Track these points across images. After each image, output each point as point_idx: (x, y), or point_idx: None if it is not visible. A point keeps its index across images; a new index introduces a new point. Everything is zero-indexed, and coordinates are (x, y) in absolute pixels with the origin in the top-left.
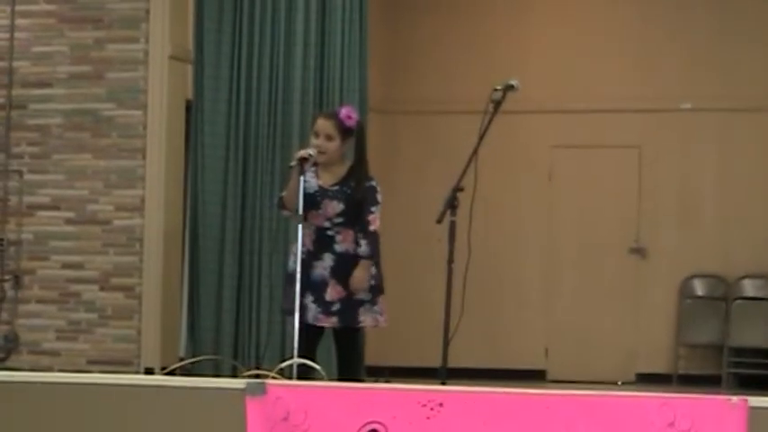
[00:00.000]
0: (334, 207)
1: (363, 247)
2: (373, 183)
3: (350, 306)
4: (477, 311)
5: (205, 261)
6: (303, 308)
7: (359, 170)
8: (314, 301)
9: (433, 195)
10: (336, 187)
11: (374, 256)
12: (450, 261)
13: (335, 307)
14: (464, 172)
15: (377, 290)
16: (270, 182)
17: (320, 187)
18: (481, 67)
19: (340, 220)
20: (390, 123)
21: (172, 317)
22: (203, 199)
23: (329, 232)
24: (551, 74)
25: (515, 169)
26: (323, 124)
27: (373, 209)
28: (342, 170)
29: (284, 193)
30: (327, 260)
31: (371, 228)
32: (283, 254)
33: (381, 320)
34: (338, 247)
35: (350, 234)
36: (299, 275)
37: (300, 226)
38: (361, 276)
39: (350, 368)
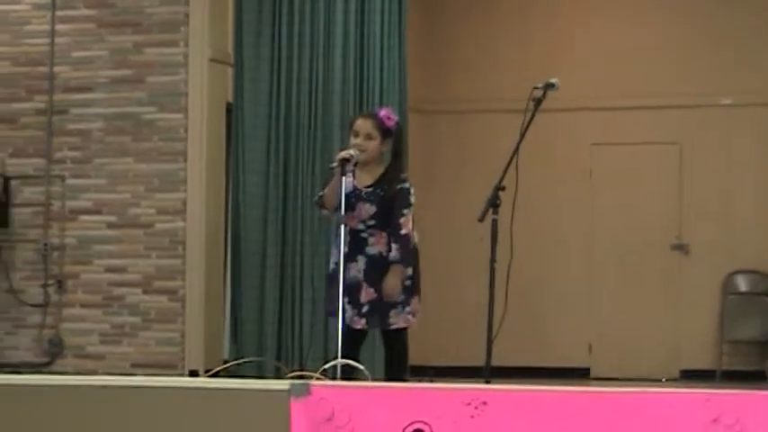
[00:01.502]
0: (367, 209)
1: (394, 252)
2: (406, 185)
3: (380, 308)
4: (520, 310)
5: (247, 263)
6: (342, 309)
7: (393, 171)
8: (349, 303)
9: (472, 194)
10: (370, 189)
11: (406, 260)
12: (493, 260)
13: (365, 309)
14: (506, 170)
15: (411, 291)
16: (311, 183)
17: (355, 188)
18: (519, 65)
19: (372, 222)
20: (429, 123)
21: (215, 319)
22: (245, 201)
23: (362, 234)
24: (590, 71)
25: (556, 167)
26: (362, 123)
27: (405, 211)
28: (379, 171)
29: (324, 192)
30: (360, 262)
31: (402, 231)
32: (325, 255)
33: (412, 321)
34: (370, 250)
35: (382, 236)
36: (341, 276)
37: (342, 227)
38: (393, 283)
39: (394, 369)
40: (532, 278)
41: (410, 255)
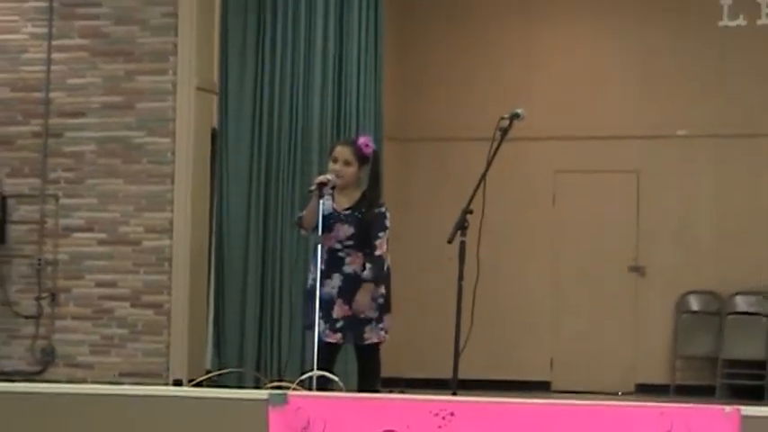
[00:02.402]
0: (345, 230)
1: (367, 272)
2: (383, 209)
3: (356, 324)
4: (486, 326)
5: (229, 279)
6: (318, 324)
7: (371, 196)
8: (322, 317)
9: (446, 217)
10: (348, 211)
11: (378, 279)
12: (461, 278)
13: (340, 324)
14: (473, 195)
15: (384, 308)
16: (290, 205)
17: (334, 210)
18: (492, 94)
19: (350, 242)
20: (405, 150)
21: (199, 332)
22: (228, 221)
23: (340, 253)
24: (555, 101)
25: (521, 193)
26: (342, 150)
27: (381, 234)
28: (356, 195)
29: (303, 213)
30: (336, 280)
31: (377, 252)
32: (303, 272)
33: (385, 336)
34: (347, 269)
35: (359, 256)
36: (318, 292)
37: (320, 246)
38: (363, 299)
39: (368, 380)
40: (498, 296)
41: (383, 274)
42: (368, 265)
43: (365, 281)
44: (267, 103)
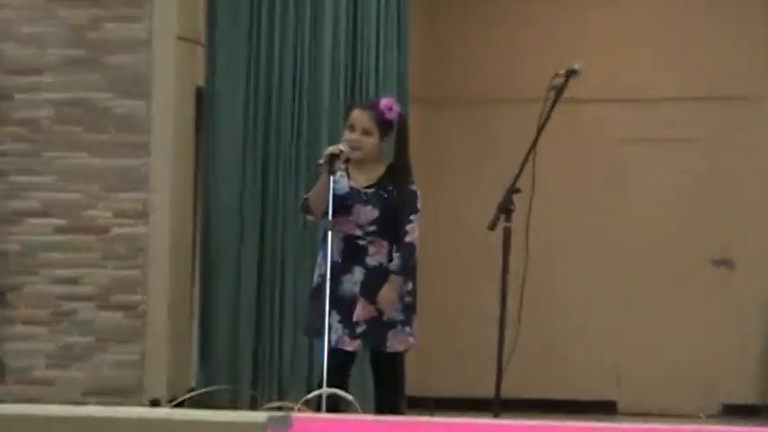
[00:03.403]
0: (368, 213)
1: (395, 261)
2: (413, 187)
3: (378, 328)
4: (536, 333)
5: (220, 276)
6: (328, 329)
7: (400, 172)
8: (340, 321)
9: (488, 198)
10: (371, 190)
11: (408, 272)
12: (505, 273)
13: (361, 328)
14: (520, 170)
15: (411, 309)
16: (294, 183)
17: (352, 189)
18: (539, 49)
19: (373, 228)
20: (435, 115)
21: (181, 340)
22: (218, 203)
23: (360, 242)
24: (616, 58)
25: (579, 167)
26: (359, 116)
27: (413, 217)
28: (378, 171)
29: (310, 195)
30: (357, 274)
31: (408, 238)
32: (310, 268)
33: (412, 343)
34: (370, 260)
35: (384, 245)
36: (327, 291)
37: (330, 233)
38: (389, 295)
39: (389, 399)
40: (551, 295)
41: (414, 267)
42: (396, 255)
43: (392, 272)
44: (265, 55)
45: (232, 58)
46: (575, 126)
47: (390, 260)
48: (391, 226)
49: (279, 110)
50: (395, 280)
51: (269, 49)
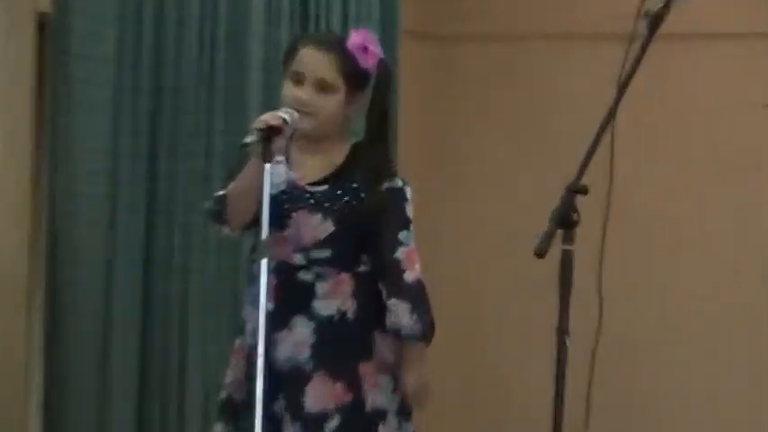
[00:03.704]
0: (317, 227)
1: (407, 320)
2: (398, 182)
3: (356, 422)
4: (612, 419)
5: (76, 321)
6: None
7: (374, 155)
8: (286, 408)
9: (525, 198)
10: (324, 188)
11: (428, 331)
12: (564, 329)
13: (332, 424)
14: (588, 157)
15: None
16: (199, 175)
17: (293, 187)
18: None
19: (325, 252)
20: (443, 59)
21: (9, 420)
22: (73, 209)
23: (304, 276)
24: None
25: (687, 149)
26: (314, 59)
27: (402, 236)
28: (336, 154)
29: (228, 192)
30: (301, 329)
31: (410, 277)
32: (231, 312)
33: None
34: (321, 307)
35: (343, 282)
36: (261, 359)
37: (264, 260)
38: (417, 378)
39: None
40: (636, 360)
41: (433, 321)
42: (402, 307)
43: (410, 339)
44: None
45: None
46: (682, 81)
47: (357, 305)
48: (355, 249)
49: (177, 50)
50: (420, 353)
51: None
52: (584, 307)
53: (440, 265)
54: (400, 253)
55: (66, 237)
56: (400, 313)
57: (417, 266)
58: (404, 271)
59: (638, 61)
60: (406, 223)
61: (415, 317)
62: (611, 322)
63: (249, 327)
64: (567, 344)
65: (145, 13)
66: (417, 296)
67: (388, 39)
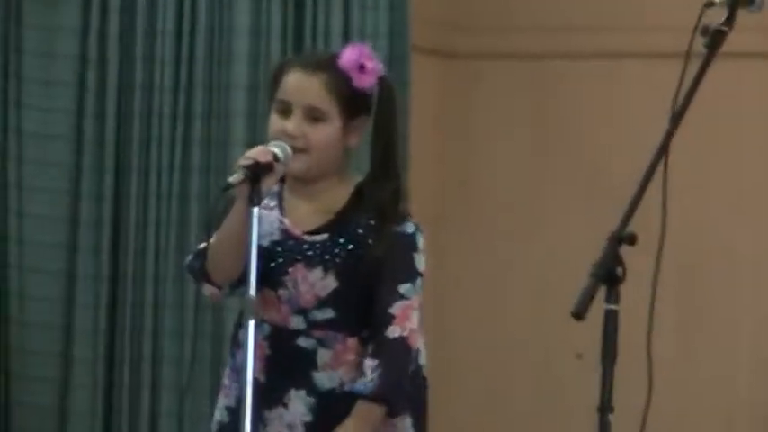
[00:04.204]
0: (316, 284)
1: (370, 376)
2: (409, 227)
3: None
4: None
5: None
6: None
7: (381, 194)
8: None
9: (559, 240)
10: (323, 237)
11: (396, 397)
12: (606, 407)
13: None
14: (636, 201)
15: None
16: (178, 215)
17: (287, 233)
18: None
19: (328, 313)
20: (462, 79)
21: None
22: (24, 233)
23: (303, 341)
24: None
25: (747, 186)
26: (301, 84)
27: (407, 287)
28: (339, 195)
29: (211, 244)
30: (297, 405)
31: (393, 332)
32: (210, 391)
33: None
34: (322, 379)
35: (349, 347)
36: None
37: (252, 323)
38: None
39: None
40: None
41: (406, 387)
42: (370, 363)
43: (364, 397)
44: None
45: None
46: (749, 100)
47: (365, 375)
48: (362, 308)
49: (146, 69)
50: (367, 413)
51: None
52: (629, 375)
53: (454, 322)
54: (396, 308)
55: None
56: (369, 369)
57: (409, 324)
58: (389, 326)
59: (695, 86)
60: (411, 275)
61: (376, 373)
62: (662, 393)
63: (233, 401)
64: (611, 422)
65: (109, 38)
66: (392, 354)
67: (399, 55)
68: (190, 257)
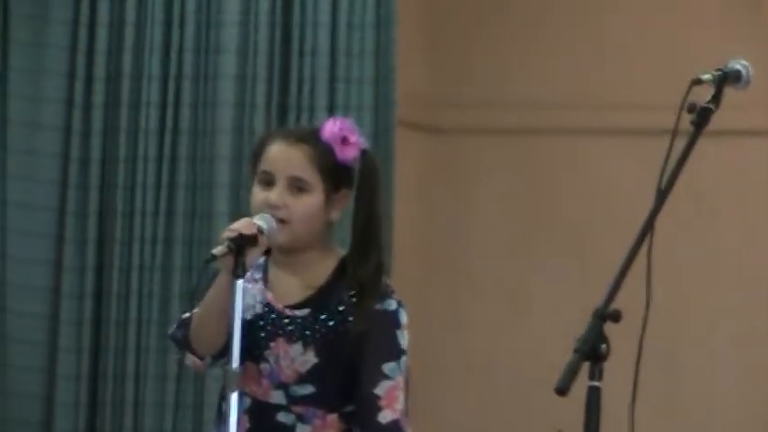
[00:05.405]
0: (296, 358)
1: None
2: (392, 304)
3: None
4: None
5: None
6: None
7: (363, 269)
8: None
9: (543, 317)
10: (305, 312)
11: None
12: None
13: None
14: (621, 277)
15: None
16: (163, 275)
17: (269, 308)
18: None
19: (309, 389)
20: (446, 153)
21: None
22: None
23: (282, 417)
24: None
25: (739, 262)
26: (284, 155)
27: (391, 367)
28: (321, 269)
29: (195, 315)
30: None
31: (386, 417)
32: None
33: None
34: None
35: (329, 423)
36: None
37: (233, 395)
38: None
39: None
40: None
41: None
42: None
43: None
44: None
45: (42, 16)
46: (738, 180)
47: None
48: (343, 385)
49: (132, 132)
50: None
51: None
52: None
53: (440, 403)
54: (381, 388)
55: None
56: None
57: (398, 405)
58: (380, 410)
59: (681, 163)
60: (394, 354)
61: None
62: None
63: None
64: None
65: (96, 89)
66: None
67: (384, 129)
68: (173, 326)
